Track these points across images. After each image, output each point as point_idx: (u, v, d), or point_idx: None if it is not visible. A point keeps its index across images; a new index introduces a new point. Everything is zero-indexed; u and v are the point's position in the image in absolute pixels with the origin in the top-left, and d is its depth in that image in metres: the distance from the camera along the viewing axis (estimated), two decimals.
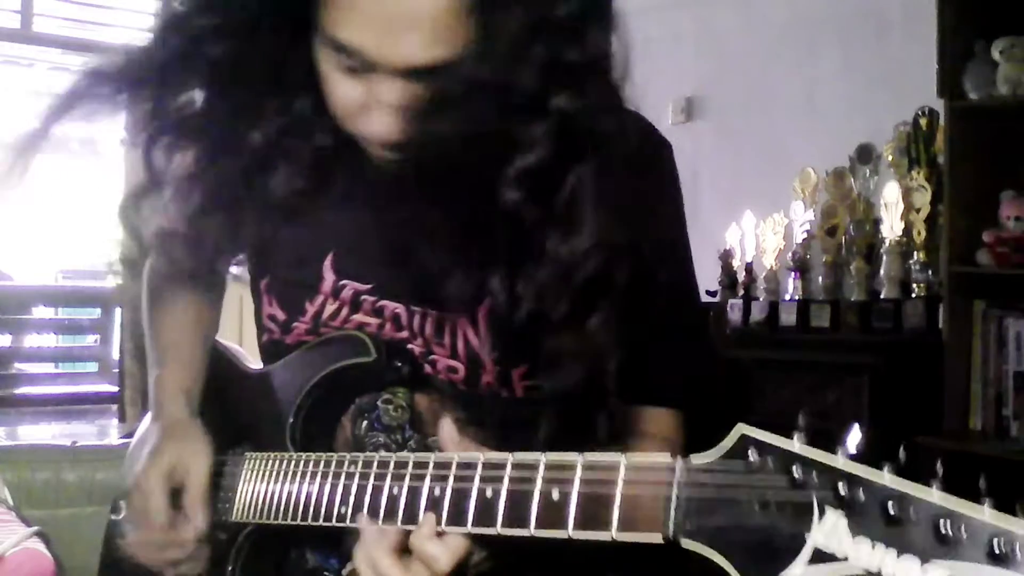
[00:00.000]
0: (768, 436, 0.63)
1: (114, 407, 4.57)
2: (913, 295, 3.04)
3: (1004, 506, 0.55)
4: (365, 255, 1.03)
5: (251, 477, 1.04)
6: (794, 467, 0.60)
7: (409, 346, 1.03)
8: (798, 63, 3.55)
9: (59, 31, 4.69)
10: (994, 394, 2.78)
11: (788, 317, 3.28)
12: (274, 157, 1.00)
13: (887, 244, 3.14)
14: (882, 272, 3.15)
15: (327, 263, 1.05)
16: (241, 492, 1.05)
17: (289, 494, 0.97)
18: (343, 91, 0.92)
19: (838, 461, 0.59)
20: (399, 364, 1.02)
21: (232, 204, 1.02)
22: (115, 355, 4.65)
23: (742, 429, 0.64)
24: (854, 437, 0.59)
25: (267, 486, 1.01)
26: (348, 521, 0.89)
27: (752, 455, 0.62)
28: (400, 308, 1.03)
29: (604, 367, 0.90)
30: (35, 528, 1.69)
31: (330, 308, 1.06)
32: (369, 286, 1.04)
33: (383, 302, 1.04)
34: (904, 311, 3.01)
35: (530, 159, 0.85)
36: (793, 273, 3.41)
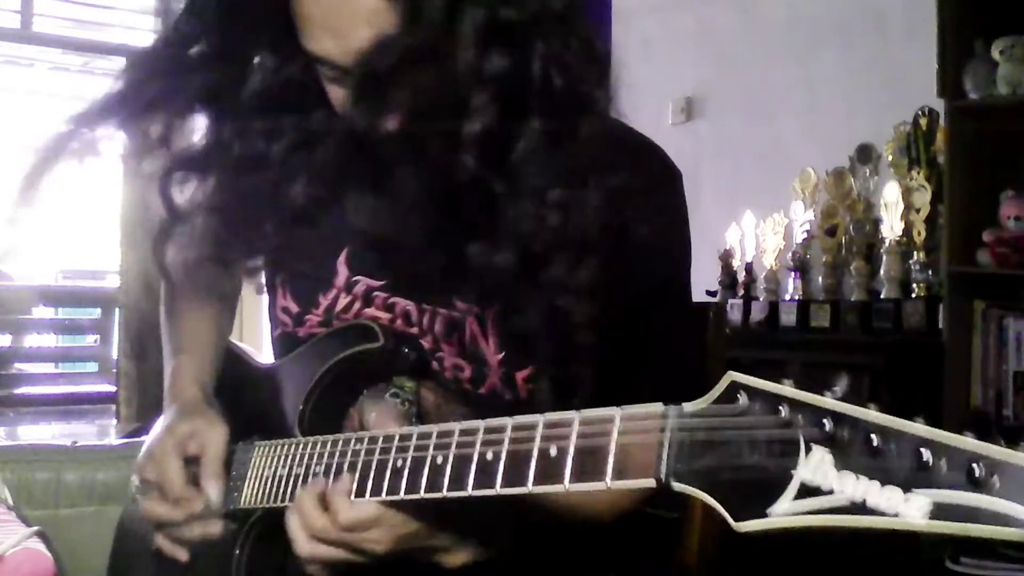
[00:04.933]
0: (758, 380, 0.64)
1: (114, 407, 4.57)
2: (913, 295, 3.05)
3: None
4: (378, 252, 1.05)
5: (260, 464, 1.05)
6: (781, 407, 0.61)
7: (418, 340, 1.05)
8: (798, 63, 3.55)
9: (59, 31, 4.68)
10: (994, 394, 2.78)
11: (788, 317, 3.29)
12: (293, 169, 1.02)
13: (887, 244, 3.15)
14: (882, 272, 3.16)
15: (341, 258, 1.07)
16: (250, 479, 1.06)
17: (296, 476, 0.98)
18: (337, 98, 0.94)
19: (824, 400, 0.60)
20: (406, 350, 1.04)
21: (252, 216, 1.04)
22: (115, 355, 4.64)
23: (732, 376, 0.65)
24: (841, 383, 0.61)
25: (275, 471, 1.02)
26: (354, 486, 0.90)
27: (741, 398, 0.64)
28: (411, 306, 1.05)
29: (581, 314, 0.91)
30: (35, 528, 1.69)
31: (343, 302, 1.08)
32: (381, 283, 1.06)
33: (394, 299, 1.06)
34: (904, 311, 3.02)
35: (476, 125, 0.85)
36: (793, 273, 3.42)
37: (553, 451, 0.74)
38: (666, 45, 3.69)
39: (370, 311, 1.06)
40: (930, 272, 3.03)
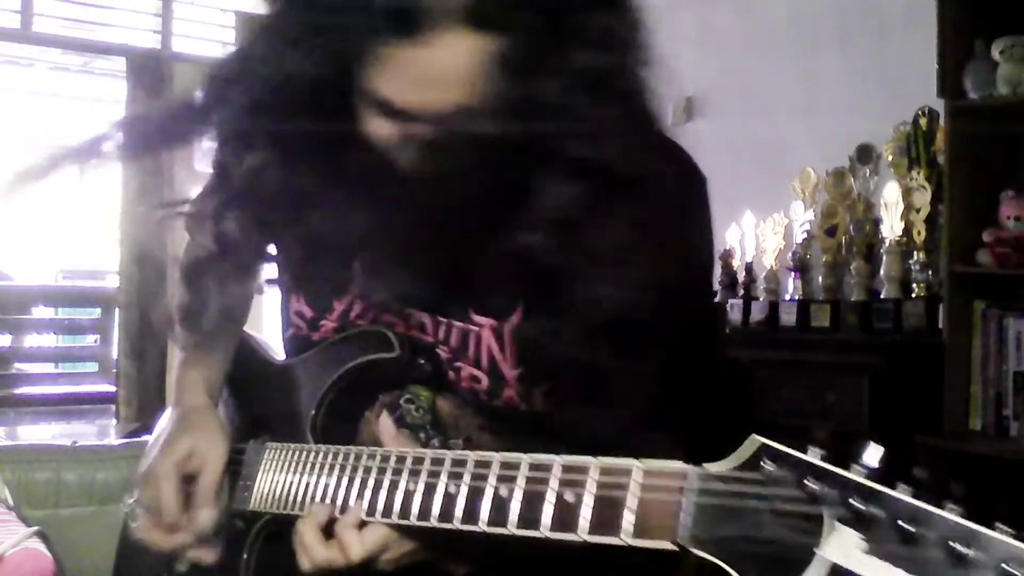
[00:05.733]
0: (784, 448, 0.62)
1: (114, 407, 4.57)
2: (913, 295, 3.04)
3: (1007, 507, 0.54)
4: (393, 262, 1.04)
5: (271, 467, 1.04)
6: (808, 479, 0.59)
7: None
8: (798, 63, 3.55)
9: (59, 31, 4.68)
10: (994, 394, 2.78)
11: (788, 317, 3.28)
12: (319, 191, 0.99)
13: (887, 244, 3.14)
14: (882, 272, 3.15)
15: (356, 266, 1.05)
16: (260, 482, 1.05)
17: (307, 486, 0.97)
18: (378, 130, 0.90)
19: (853, 475, 0.58)
20: (422, 362, 1.03)
21: (272, 222, 1.02)
22: (115, 355, 4.64)
23: (758, 440, 0.63)
24: (873, 452, 0.58)
25: (286, 477, 1.01)
26: (363, 516, 0.90)
27: (767, 465, 0.62)
28: (425, 317, 1.04)
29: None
30: (35, 528, 1.69)
31: (357, 308, 1.07)
32: (395, 293, 1.04)
33: (409, 310, 1.04)
34: (904, 311, 3.01)
35: (548, 207, 0.85)
36: (793, 273, 3.41)
37: (570, 497, 0.73)
38: (666, 45, 3.69)
39: (385, 317, 1.05)
40: (930, 272, 3.02)
